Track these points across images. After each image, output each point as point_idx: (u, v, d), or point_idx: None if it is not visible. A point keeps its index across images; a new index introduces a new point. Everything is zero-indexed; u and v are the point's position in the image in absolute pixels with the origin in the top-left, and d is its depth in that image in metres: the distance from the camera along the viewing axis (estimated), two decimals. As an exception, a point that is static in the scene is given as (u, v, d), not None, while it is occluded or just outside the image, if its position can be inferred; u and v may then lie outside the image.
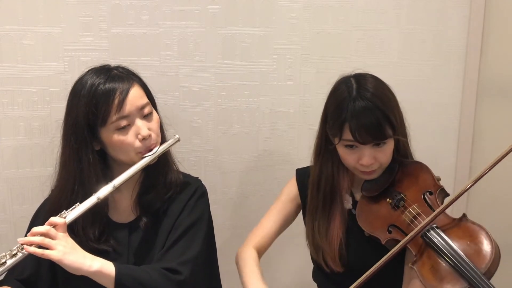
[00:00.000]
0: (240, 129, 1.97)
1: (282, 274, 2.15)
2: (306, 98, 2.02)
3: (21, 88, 1.71)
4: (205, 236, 1.52)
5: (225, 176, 1.99)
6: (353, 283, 1.39)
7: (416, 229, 1.40)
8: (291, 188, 1.67)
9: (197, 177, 1.61)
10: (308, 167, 1.65)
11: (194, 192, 1.54)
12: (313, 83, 2.01)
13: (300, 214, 1.69)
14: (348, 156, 1.48)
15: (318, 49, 1.99)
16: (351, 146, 1.46)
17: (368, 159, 1.45)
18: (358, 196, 1.58)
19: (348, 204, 1.58)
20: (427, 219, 1.40)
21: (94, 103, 1.39)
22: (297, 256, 2.12)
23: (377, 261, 1.39)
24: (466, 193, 2.28)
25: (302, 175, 1.66)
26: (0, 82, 1.69)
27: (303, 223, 1.69)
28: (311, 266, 1.70)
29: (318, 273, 1.63)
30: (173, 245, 1.45)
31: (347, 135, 1.43)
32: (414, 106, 2.10)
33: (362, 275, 1.39)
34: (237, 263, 1.60)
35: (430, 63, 2.15)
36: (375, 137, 1.43)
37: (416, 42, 2.11)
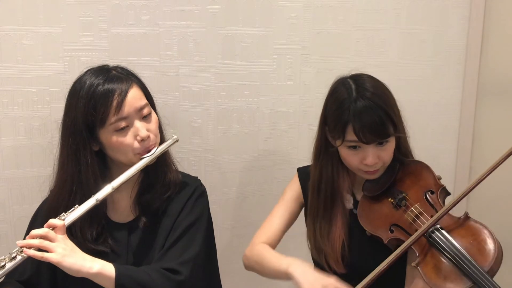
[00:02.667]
0: (240, 129, 1.97)
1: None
2: (306, 98, 2.02)
3: (21, 88, 1.71)
4: (205, 236, 1.52)
5: (225, 176, 1.99)
6: (356, 283, 1.39)
7: (420, 230, 1.40)
8: (294, 187, 1.66)
9: (196, 177, 1.61)
10: (308, 166, 1.65)
11: (193, 191, 1.53)
12: (313, 83, 2.01)
13: (302, 214, 1.69)
14: (351, 157, 1.48)
15: (318, 49, 1.99)
16: (354, 147, 1.46)
17: (372, 159, 1.45)
18: (359, 195, 1.58)
19: (349, 204, 1.58)
20: (432, 220, 1.40)
21: (93, 104, 1.39)
22: (298, 256, 2.12)
23: (380, 260, 1.40)
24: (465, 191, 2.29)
25: (303, 174, 1.66)
26: (0, 82, 1.69)
27: (303, 223, 1.69)
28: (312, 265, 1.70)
29: None
30: (173, 245, 1.45)
31: (351, 136, 1.43)
32: (414, 106, 2.10)
33: (364, 275, 1.39)
34: (249, 261, 1.59)
35: (430, 63, 2.15)
36: (378, 136, 1.43)
37: (416, 42, 2.11)
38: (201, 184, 1.58)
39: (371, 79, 1.50)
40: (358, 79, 1.49)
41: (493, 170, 1.44)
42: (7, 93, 1.71)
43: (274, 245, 1.63)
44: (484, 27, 2.15)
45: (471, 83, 2.19)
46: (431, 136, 2.19)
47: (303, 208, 1.67)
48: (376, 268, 1.39)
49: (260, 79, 1.95)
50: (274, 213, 1.66)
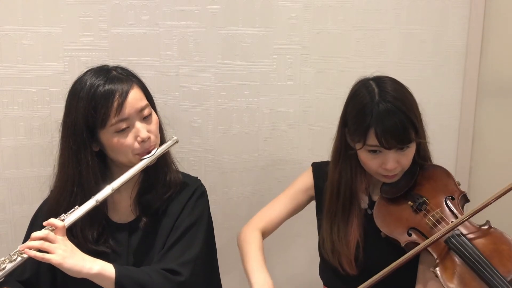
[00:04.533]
0: (240, 129, 1.97)
1: (283, 273, 2.14)
2: (306, 98, 2.02)
3: (21, 88, 1.71)
4: (205, 236, 1.52)
5: (225, 176, 1.99)
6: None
7: (439, 232, 1.39)
8: (306, 180, 1.65)
9: (197, 177, 1.61)
10: (324, 162, 1.64)
11: (194, 192, 1.53)
12: (313, 83, 2.01)
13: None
14: (370, 161, 1.47)
15: (318, 49, 1.99)
16: (374, 151, 1.44)
17: (392, 164, 1.44)
18: (374, 196, 1.58)
19: (364, 204, 1.57)
20: (452, 224, 1.39)
21: (93, 105, 1.39)
22: (299, 256, 2.12)
23: (393, 262, 1.39)
24: (466, 192, 2.29)
25: (318, 170, 1.64)
26: (0, 82, 1.69)
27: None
28: (313, 265, 1.69)
29: (330, 274, 1.62)
30: (173, 246, 1.45)
31: (372, 140, 1.42)
32: (414, 106, 2.10)
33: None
34: (240, 243, 1.59)
35: (430, 63, 2.15)
36: (400, 141, 1.42)
37: (416, 42, 2.11)
38: (202, 185, 1.58)
39: (394, 82, 1.48)
40: (381, 82, 1.47)
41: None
42: (7, 93, 1.71)
43: (269, 232, 1.63)
44: (484, 27, 2.15)
45: (471, 83, 2.19)
46: (431, 136, 2.17)
47: (315, 206, 1.66)
48: (388, 266, 1.38)
49: (260, 79, 1.95)
50: (279, 200, 1.64)
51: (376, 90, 1.44)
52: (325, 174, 1.60)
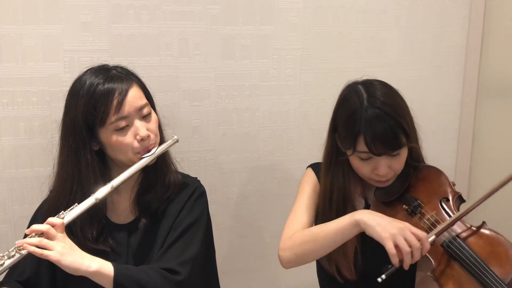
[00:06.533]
0: (240, 129, 1.97)
1: (283, 274, 2.14)
2: (306, 98, 2.02)
3: (21, 88, 1.71)
4: (204, 237, 1.51)
5: (225, 176, 1.99)
6: None
7: (435, 230, 1.37)
8: (312, 181, 1.60)
9: (196, 177, 1.61)
10: (320, 163, 1.61)
11: (193, 192, 1.53)
12: (313, 83, 2.01)
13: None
14: (362, 167, 1.46)
15: (318, 49, 1.99)
16: (365, 157, 1.43)
17: (384, 169, 1.43)
18: (370, 198, 1.56)
19: (360, 207, 1.55)
20: (445, 224, 1.38)
21: (93, 103, 1.39)
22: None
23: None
24: (466, 192, 2.29)
25: (317, 169, 1.62)
26: (0, 82, 1.69)
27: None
28: (313, 265, 1.69)
29: (326, 280, 1.61)
30: (172, 246, 1.45)
31: (362, 147, 1.40)
32: (414, 106, 2.09)
33: (375, 281, 1.37)
34: (295, 245, 1.45)
35: (430, 63, 2.15)
36: (390, 148, 1.40)
37: (416, 42, 2.11)
38: (201, 185, 1.58)
39: (383, 87, 1.46)
40: (370, 87, 1.45)
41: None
42: (7, 93, 1.71)
43: None
44: (484, 27, 2.16)
45: (471, 83, 2.19)
46: (431, 136, 2.19)
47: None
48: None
49: (260, 79, 1.95)
50: (297, 209, 1.55)
51: (364, 95, 1.42)
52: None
